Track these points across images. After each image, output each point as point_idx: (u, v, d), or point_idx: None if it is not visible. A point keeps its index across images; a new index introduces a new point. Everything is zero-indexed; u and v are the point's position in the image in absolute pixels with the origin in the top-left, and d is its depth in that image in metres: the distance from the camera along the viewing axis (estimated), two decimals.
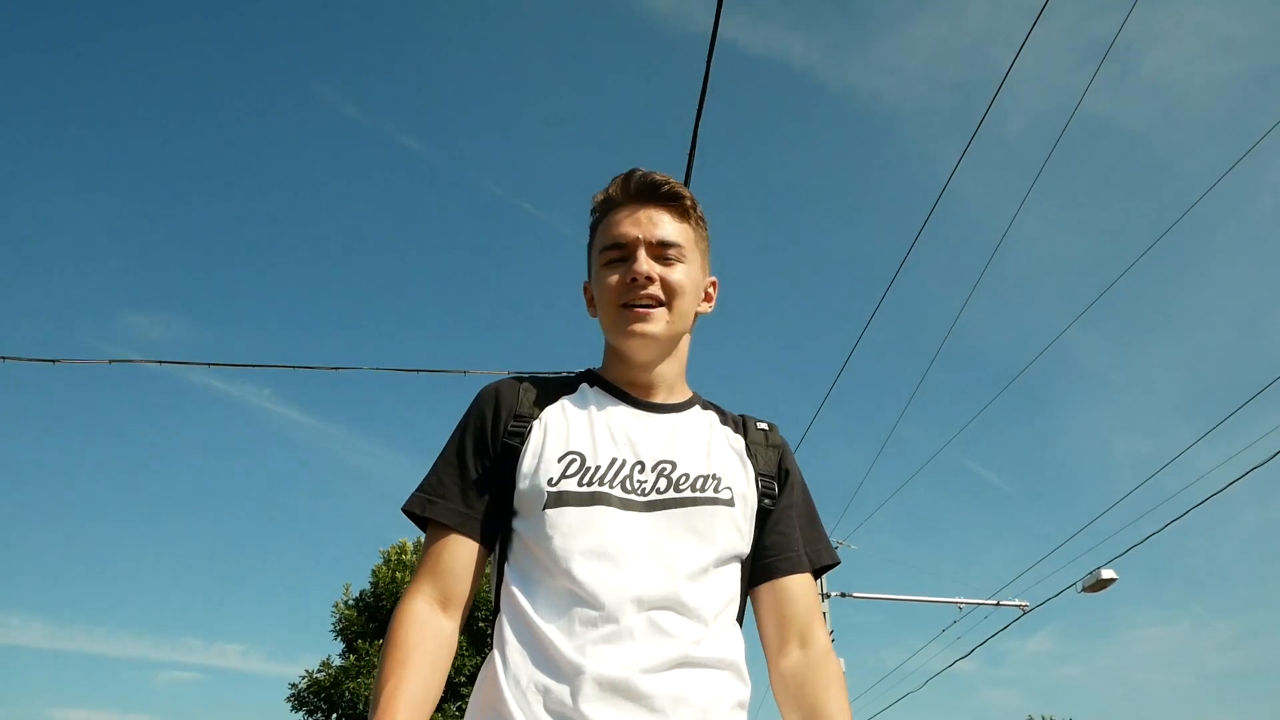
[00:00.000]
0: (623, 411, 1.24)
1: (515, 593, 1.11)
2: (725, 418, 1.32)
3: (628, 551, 1.09)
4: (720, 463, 1.22)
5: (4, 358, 5.89)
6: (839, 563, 1.28)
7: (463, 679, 14.43)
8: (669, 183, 1.26)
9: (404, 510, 1.21)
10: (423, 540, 1.22)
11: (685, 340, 1.32)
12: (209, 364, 6.48)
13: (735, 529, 1.17)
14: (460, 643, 1.36)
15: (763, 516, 1.24)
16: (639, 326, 1.22)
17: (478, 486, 1.19)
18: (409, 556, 16.93)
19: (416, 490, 1.21)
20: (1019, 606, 11.82)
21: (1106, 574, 10.18)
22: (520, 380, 1.27)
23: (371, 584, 17.44)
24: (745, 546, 1.20)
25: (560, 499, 1.13)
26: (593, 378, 1.31)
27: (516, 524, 1.17)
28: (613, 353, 1.30)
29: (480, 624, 13.73)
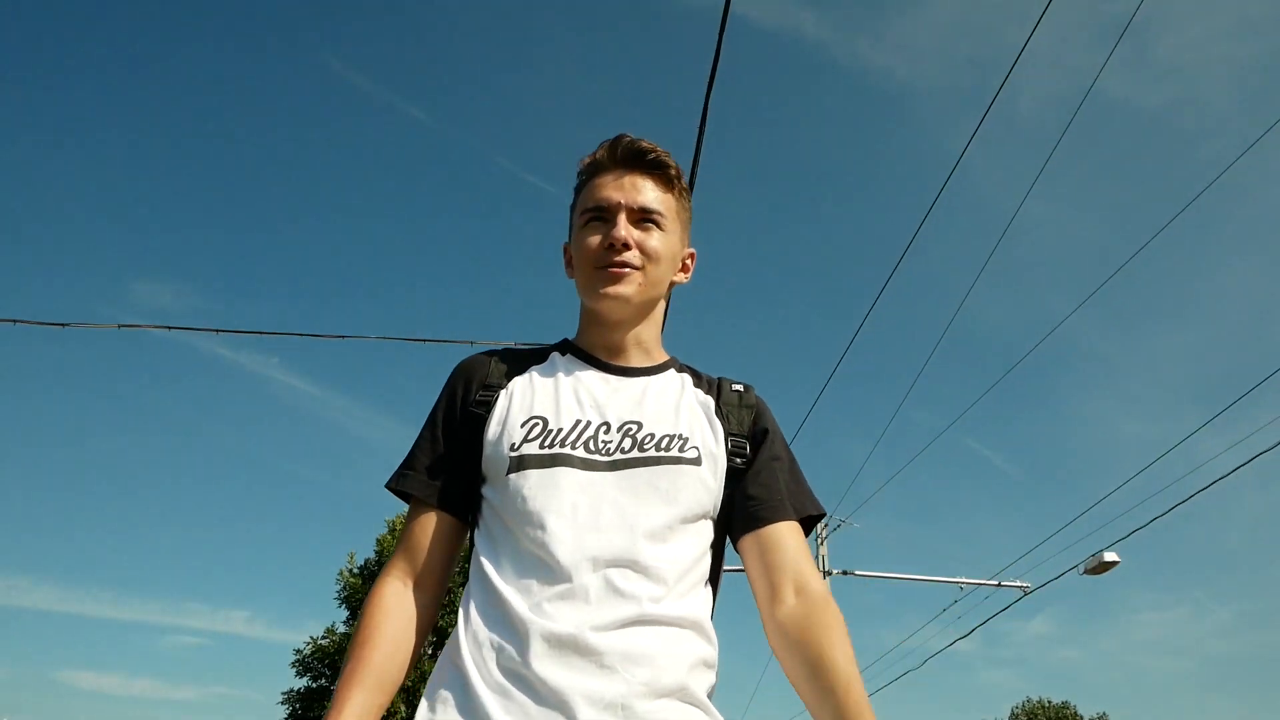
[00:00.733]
0: (591, 376, 1.26)
1: (481, 558, 1.14)
2: (699, 380, 1.33)
3: (587, 510, 1.10)
4: (688, 422, 1.22)
5: (15, 320, 5.94)
6: (824, 514, 1.27)
7: None
8: (655, 151, 1.27)
9: (386, 487, 1.24)
10: None
11: (660, 306, 1.32)
12: (215, 330, 6.53)
13: (703, 487, 1.17)
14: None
15: (734, 476, 1.23)
16: (612, 289, 1.23)
17: (449, 459, 1.22)
18: None
19: (398, 467, 1.24)
20: (1020, 587, 11.84)
21: (1109, 557, 10.18)
22: (494, 353, 1.30)
23: (376, 552, 17.64)
24: (713, 506, 1.20)
25: (521, 462, 1.14)
26: (566, 346, 1.33)
27: (485, 491, 1.19)
28: (587, 315, 1.31)
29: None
